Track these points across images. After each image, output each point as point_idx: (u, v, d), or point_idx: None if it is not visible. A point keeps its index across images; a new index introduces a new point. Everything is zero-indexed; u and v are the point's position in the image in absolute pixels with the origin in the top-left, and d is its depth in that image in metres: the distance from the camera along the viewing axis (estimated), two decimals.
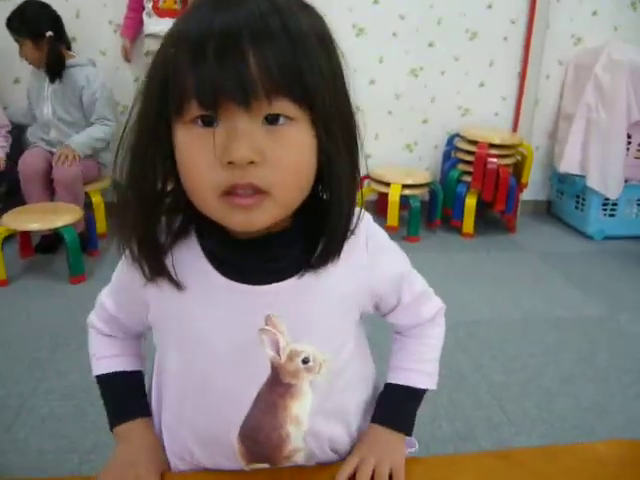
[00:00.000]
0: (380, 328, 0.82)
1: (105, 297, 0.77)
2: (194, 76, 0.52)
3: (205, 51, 0.52)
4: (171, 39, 0.56)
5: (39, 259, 2.65)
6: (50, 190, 2.68)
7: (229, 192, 0.56)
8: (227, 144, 0.53)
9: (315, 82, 0.55)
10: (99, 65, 2.85)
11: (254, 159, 0.54)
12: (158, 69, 0.56)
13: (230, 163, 0.53)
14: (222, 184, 0.55)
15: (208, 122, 0.54)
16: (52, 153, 2.70)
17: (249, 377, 0.66)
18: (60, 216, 2.41)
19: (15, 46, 2.63)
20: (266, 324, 0.65)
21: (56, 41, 2.62)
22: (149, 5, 2.75)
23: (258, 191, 0.56)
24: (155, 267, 0.63)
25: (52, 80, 2.65)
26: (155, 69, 0.57)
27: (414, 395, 0.78)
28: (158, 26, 2.68)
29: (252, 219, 0.57)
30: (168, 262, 0.64)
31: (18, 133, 2.88)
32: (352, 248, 0.66)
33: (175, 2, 2.72)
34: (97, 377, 0.79)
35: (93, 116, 2.72)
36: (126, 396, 0.77)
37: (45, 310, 2.22)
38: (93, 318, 0.80)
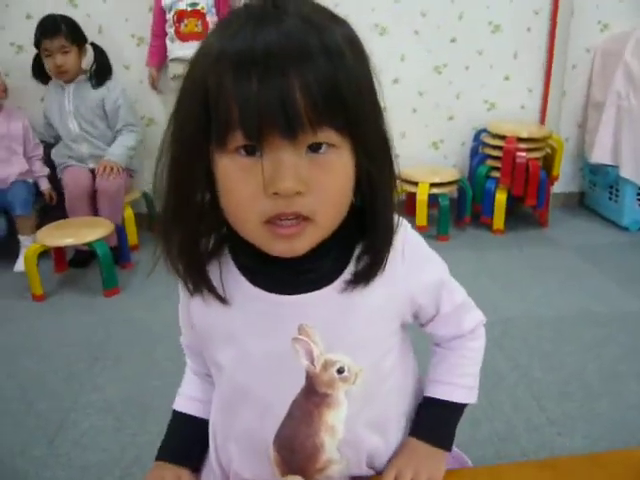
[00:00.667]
0: (421, 336, 0.81)
1: (182, 334, 0.80)
2: (239, 107, 0.52)
3: (249, 78, 0.51)
4: (209, 61, 0.55)
5: (73, 273, 2.70)
6: (92, 206, 2.73)
7: (272, 220, 0.56)
8: (273, 175, 0.53)
9: (357, 108, 0.55)
10: (123, 79, 2.89)
11: (300, 189, 0.54)
12: (196, 92, 0.56)
13: (275, 194, 0.54)
14: (267, 213, 0.56)
15: (251, 151, 0.54)
16: (88, 169, 2.76)
17: (285, 386, 0.66)
18: (92, 230, 2.45)
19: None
20: (299, 334, 0.65)
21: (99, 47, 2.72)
22: (171, 30, 2.77)
23: (301, 218, 0.56)
24: (197, 280, 0.65)
25: (99, 84, 2.71)
26: (193, 92, 0.56)
27: (454, 409, 0.77)
28: (182, 50, 2.71)
29: (294, 247, 0.58)
30: (210, 279, 0.66)
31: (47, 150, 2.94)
32: (389, 257, 0.65)
33: (197, 25, 2.73)
34: (173, 410, 0.82)
35: (119, 124, 2.76)
36: (184, 441, 0.80)
37: (81, 324, 2.26)
38: (186, 355, 0.83)
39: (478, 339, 0.79)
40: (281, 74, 0.51)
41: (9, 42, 2.91)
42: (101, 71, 2.72)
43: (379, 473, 0.72)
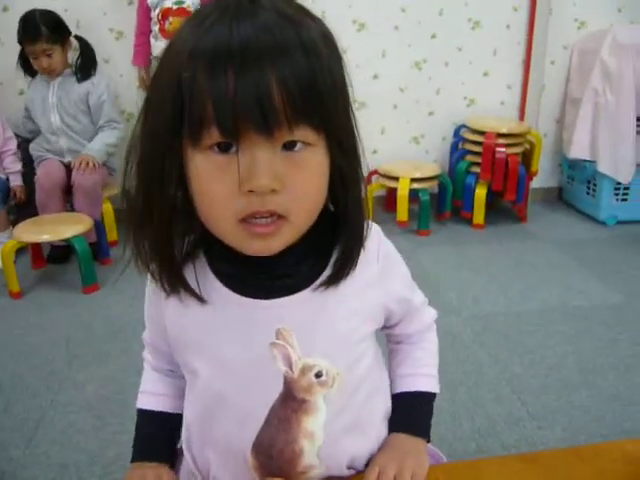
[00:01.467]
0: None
1: (145, 331, 0.79)
2: (214, 101, 0.51)
3: (225, 72, 0.50)
4: (183, 55, 0.53)
5: (51, 270, 2.66)
6: (65, 201, 2.69)
7: (247, 219, 0.55)
8: (248, 172, 0.53)
9: (333, 105, 0.55)
10: (103, 73, 2.85)
11: (275, 187, 0.53)
12: (170, 86, 0.54)
13: (251, 191, 0.53)
14: (241, 211, 0.55)
15: (225, 148, 0.53)
16: (63, 163, 2.72)
17: (262, 392, 0.65)
18: (70, 226, 2.41)
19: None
20: (277, 338, 0.64)
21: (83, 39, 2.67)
22: (155, 28, 2.73)
23: (276, 217, 0.55)
24: (174, 281, 0.64)
25: (85, 78, 2.68)
26: (166, 86, 0.55)
27: (426, 400, 0.79)
28: None
29: (270, 245, 0.58)
30: (186, 279, 0.64)
31: (27, 146, 2.89)
32: (362, 261, 0.66)
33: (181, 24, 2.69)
34: (137, 410, 0.80)
35: (102, 119, 2.73)
36: (155, 437, 0.78)
37: (60, 321, 2.23)
38: (145, 351, 0.81)
39: (434, 331, 0.83)
40: (258, 68, 0.50)
41: None
42: (86, 65, 2.68)
43: (360, 473, 0.72)
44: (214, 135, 0.52)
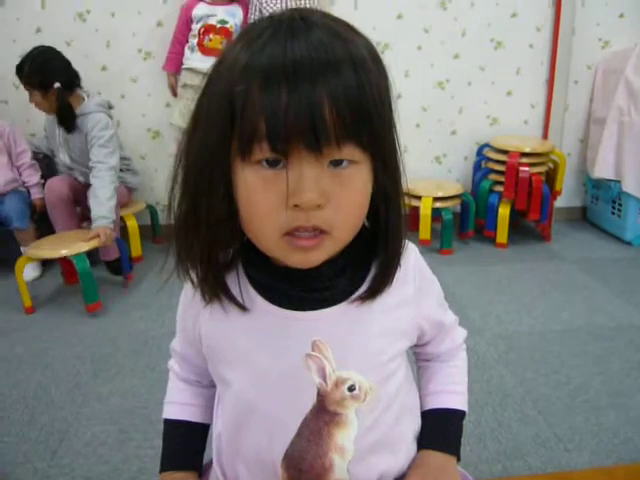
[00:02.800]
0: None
1: (174, 340, 0.79)
2: (267, 117, 0.52)
3: (279, 89, 0.51)
4: (235, 72, 0.54)
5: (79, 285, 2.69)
6: (76, 216, 2.72)
7: (290, 232, 0.56)
8: (295, 188, 0.53)
9: (381, 125, 0.56)
10: (130, 92, 2.90)
11: (320, 202, 0.54)
12: (221, 101, 0.55)
13: (296, 206, 0.54)
14: (286, 225, 0.56)
15: (274, 163, 0.54)
16: (76, 179, 2.73)
17: (295, 403, 0.66)
18: (70, 244, 2.37)
19: None
20: (312, 350, 0.64)
21: (65, 90, 2.55)
22: (194, 41, 2.78)
23: (319, 231, 0.56)
24: (216, 289, 0.65)
25: (68, 131, 2.61)
26: (217, 100, 0.56)
27: (455, 417, 0.79)
28: (200, 63, 2.73)
29: (310, 258, 0.59)
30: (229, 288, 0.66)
31: (49, 161, 2.95)
32: (398, 279, 0.67)
33: (221, 43, 2.75)
34: (164, 420, 0.80)
35: (90, 161, 2.58)
36: (183, 447, 0.79)
37: (87, 335, 2.25)
38: (171, 362, 0.82)
39: (464, 350, 0.83)
40: (311, 86, 0.51)
41: (18, 55, 2.91)
42: (63, 121, 2.58)
43: None
44: (265, 150, 0.53)
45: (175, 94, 2.97)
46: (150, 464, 1.55)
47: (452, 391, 0.79)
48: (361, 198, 0.59)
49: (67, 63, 2.59)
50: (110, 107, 2.74)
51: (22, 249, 2.71)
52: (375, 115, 0.54)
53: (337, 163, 0.55)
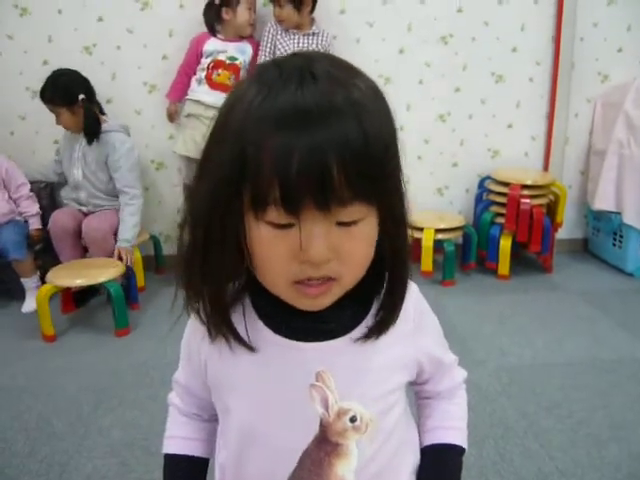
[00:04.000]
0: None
1: (177, 372, 0.80)
2: (281, 186, 0.53)
3: (291, 163, 0.52)
4: (248, 119, 0.55)
5: (82, 314, 2.71)
6: (80, 247, 2.76)
7: (301, 281, 0.59)
8: (306, 245, 0.56)
9: (387, 181, 0.58)
10: (134, 124, 2.95)
11: (330, 258, 0.57)
12: (233, 146, 0.55)
13: (307, 261, 0.57)
14: (296, 276, 0.58)
15: (286, 225, 0.56)
16: (82, 211, 2.81)
17: (298, 433, 0.67)
18: (103, 270, 2.48)
19: None
20: (317, 380, 0.66)
21: (90, 102, 2.69)
22: (202, 74, 2.84)
23: (328, 278, 0.59)
24: (222, 327, 0.66)
25: (90, 142, 2.71)
26: (229, 145, 0.56)
27: (455, 453, 0.79)
28: (206, 96, 2.79)
29: (318, 303, 0.61)
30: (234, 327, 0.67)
31: (50, 191, 3.01)
32: (402, 314, 0.69)
33: (229, 78, 2.81)
34: (164, 455, 0.80)
35: (118, 183, 2.75)
36: None
37: (90, 365, 2.25)
38: (172, 395, 0.82)
39: (463, 389, 0.84)
40: (323, 165, 0.52)
41: (25, 87, 2.99)
42: (88, 130, 2.69)
43: None
44: (279, 212, 0.55)
45: (172, 120, 3.04)
46: None
47: (450, 427, 0.80)
48: (368, 249, 0.61)
49: (86, 80, 2.72)
50: (128, 134, 2.84)
51: (22, 280, 2.73)
52: (380, 171, 0.56)
53: (345, 224, 0.57)
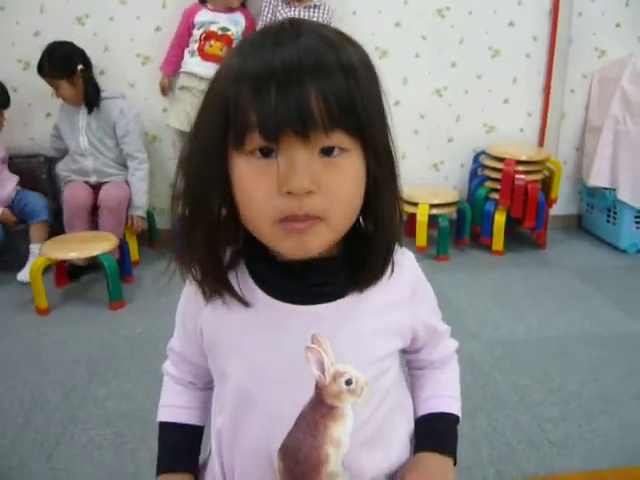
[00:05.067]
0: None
1: (172, 339, 0.81)
2: (257, 110, 0.55)
3: (268, 87, 0.54)
4: (230, 77, 0.58)
5: (76, 287, 2.70)
6: (90, 222, 2.76)
7: (284, 220, 0.58)
8: (286, 175, 0.56)
9: (368, 114, 0.58)
10: (128, 96, 2.92)
11: (312, 189, 0.56)
12: (217, 104, 0.59)
13: (289, 193, 0.56)
14: (279, 212, 0.58)
15: (267, 153, 0.57)
16: (89, 183, 2.81)
17: (294, 395, 0.67)
18: (97, 244, 2.47)
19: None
20: (312, 342, 0.66)
21: (88, 71, 2.71)
22: (194, 45, 2.81)
23: (312, 217, 0.58)
24: (217, 285, 0.67)
25: (90, 111, 2.73)
26: (213, 104, 0.59)
27: (451, 421, 0.80)
28: (199, 67, 2.76)
29: (306, 244, 0.60)
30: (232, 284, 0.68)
31: (49, 166, 3.00)
32: (396, 280, 0.69)
33: (221, 49, 2.78)
34: (159, 423, 0.81)
35: (127, 147, 2.79)
36: (180, 449, 0.80)
37: (83, 338, 2.25)
38: (166, 364, 0.83)
39: (455, 360, 0.85)
40: (298, 83, 0.54)
41: (17, 58, 2.94)
42: (88, 99, 2.72)
43: None
44: (256, 140, 0.56)
45: (165, 93, 3.01)
46: (145, 467, 1.55)
47: (444, 395, 0.81)
48: (353, 185, 0.60)
49: (82, 50, 2.73)
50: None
51: (31, 246, 2.73)
52: (362, 108, 0.57)
53: (327, 151, 0.57)
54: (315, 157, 0.57)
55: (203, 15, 2.81)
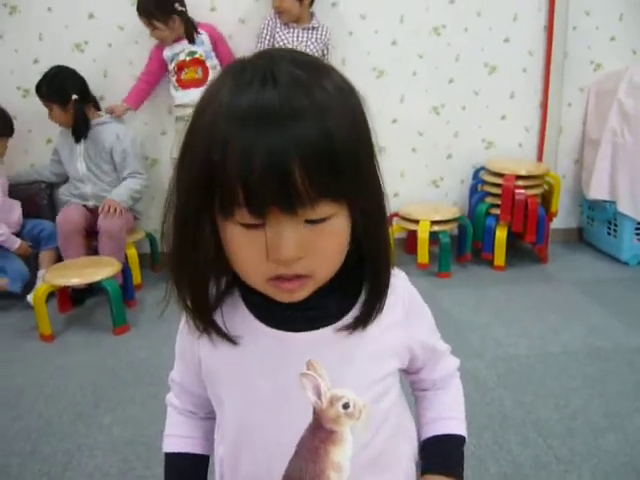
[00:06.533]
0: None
1: (173, 371, 0.82)
2: (244, 189, 0.54)
3: (253, 166, 0.53)
4: (211, 134, 0.56)
5: (79, 313, 2.71)
6: (86, 245, 2.77)
7: (275, 278, 0.60)
8: (275, 245, 0.57)
9: (354, 177, 0.57)
10: (127, 121, 2.95)
11: (300, 256, 0.58)
12: (202, 161, 0.56)
13: (277, 260, 0.57)
14: (270, 274, 0.59)
15: (255, 225, 0.57)
16: (87, 207, 2.83)
17: (292, 423, 0.67)
18: (100, 269, 2.48)
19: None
20: (307, 369, 0.67)
21: (82, 102, 2.75)
22: (173, 79, 2.87)
23: (302, 276, 0.60)
24: (205, 322, 0.68)
25: (77, 140, 2.78)
26: (198, 156, 0.57)
27: (456, 442, 0.80)
28: (185, 97, 2.82)
29: (294, 297, 0.63)
30: (217, 317, 0.68)
31: (50, 192, 3.03)
32: (389, 304, 0.69)
33: (196, 72, 2.84)
34: (165, 453, 0.82)
35: (126, 170, 2.83)
36: (185, 478, 0.80)
37: (88, 364, 2.26)
38: (169, 395, 0.84)
39: (458, 377, 0.85)
40: (285, 167, 0.52)
41: (16, 86, 2.97)
42: (77, 129, 2.77)
43: None
44: (245, 215, 0.56)
45: (111, 112, 2.90)
46: None
47: (449, 417, 0.80)
48: (340, 244, 0.61)
49: (82, 79, 2.79)
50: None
51: (40, 272, 2.74)
52: (345, 168, 0.56)
53: (314, 221, 0.57)
54: (301, 226, 0.57)
55: (168, 50, 2.86)
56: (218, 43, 2.89)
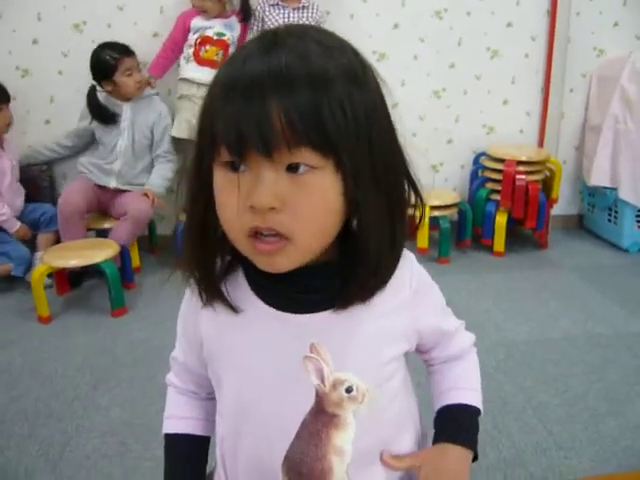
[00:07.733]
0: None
1: (174, 350, 0.80)
2: (223, 123, 0.55)
3: (232, 100, 0.55)
4: (210, 88, 0.60)
5: (77, 295, 2.69)
6: (84, 228, 2.74)
7: (254, 234, 0.58)
8: (250, 190, 0.56)
9: (338, 129, 0.55)
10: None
11: (274, 205, 0.56)
12: (201, 116, 0.60)
13: (252, 207, 0.56)
14: (246, 226, 0.58)
15: (237, 167, 0.57)
16: (96, 184, 2.79)
17: (294, 405, 0.66)
18: (98, 251, 2.45)
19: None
20: (311, 352, 0.66)
21: None
22: (189, 51, 2.79)
23: (279, 237, 0.58)
24: (211, 291, 0.67)
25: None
26: (200, 116, 0.61)
27: (470, 412, 0.78)
28: (194, 73, 2.76)
29: (274, 263, 0.60)
30: (222, 290, 0.68)
31: (51, 174, 3.00)
32: (395, 285, 0.68)
33: (217, 54, 2.77)
34: (164, 435, 0.80)
35: (160, 149, 2.84)
36: (186, 460, 0.79)
37: (86, 345, 2.25)
38: (169, 375, 0.83)
39: (474, 352, 0.84)
40: (261, 99, 0.54)
41: (15, 66, 2.94)
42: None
43: None
44: (224, 154, 0.57)
45: (151, 86, 2.91)
46: (150, 475, 1.55)
47: (463, 387, 0.79)
48: (321, 204, 0.58)
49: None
50: None
51: (37, 254, 2.73)
52: (330, 119, 0.54)
53: (294, 168, 0.56)
54: (282, 174, 0.56)
55: (199, 20, 2.80)
56: (245, 34, 2.87)
